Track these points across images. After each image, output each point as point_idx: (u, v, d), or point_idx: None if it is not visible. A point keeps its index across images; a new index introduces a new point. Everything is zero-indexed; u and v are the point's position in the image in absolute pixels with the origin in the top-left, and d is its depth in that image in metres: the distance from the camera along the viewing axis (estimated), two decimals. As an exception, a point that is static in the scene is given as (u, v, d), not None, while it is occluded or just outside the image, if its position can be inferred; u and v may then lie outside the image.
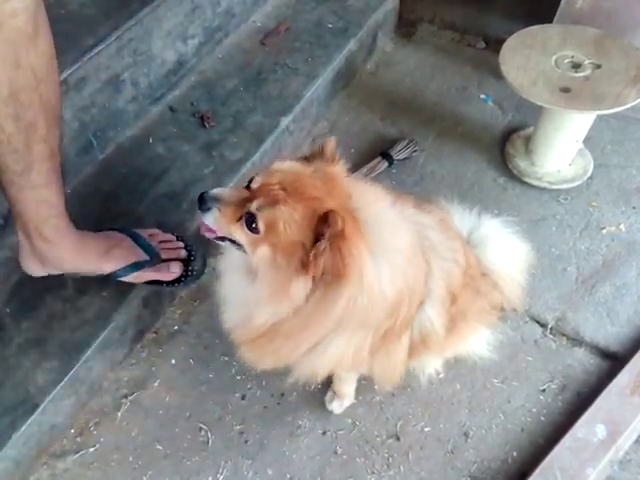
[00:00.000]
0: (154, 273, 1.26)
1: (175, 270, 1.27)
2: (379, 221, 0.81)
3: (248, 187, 0.84)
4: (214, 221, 0.85)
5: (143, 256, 1.25)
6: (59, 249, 1.16)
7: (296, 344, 0.88)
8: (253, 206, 0.80)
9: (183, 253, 1.31)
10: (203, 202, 0.85)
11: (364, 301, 0.78)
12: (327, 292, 0.78)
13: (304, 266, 0.76)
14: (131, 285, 1.27)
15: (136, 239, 1.27)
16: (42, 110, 0.96)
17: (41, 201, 1.07)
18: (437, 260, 0.94)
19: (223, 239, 0.89)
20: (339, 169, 0.85)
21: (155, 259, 1.26)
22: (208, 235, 0.92)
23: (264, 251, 0.80)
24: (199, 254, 1.32)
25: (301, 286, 0.78)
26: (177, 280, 1.29)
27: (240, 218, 0.82)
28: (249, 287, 0.87)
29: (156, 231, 1.33)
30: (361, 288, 0.77)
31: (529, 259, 1.24)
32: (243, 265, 0.88)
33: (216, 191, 0.85)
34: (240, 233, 0.83)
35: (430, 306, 0.96)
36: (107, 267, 1.22)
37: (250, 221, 0.80)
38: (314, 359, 0.90)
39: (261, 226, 0.79)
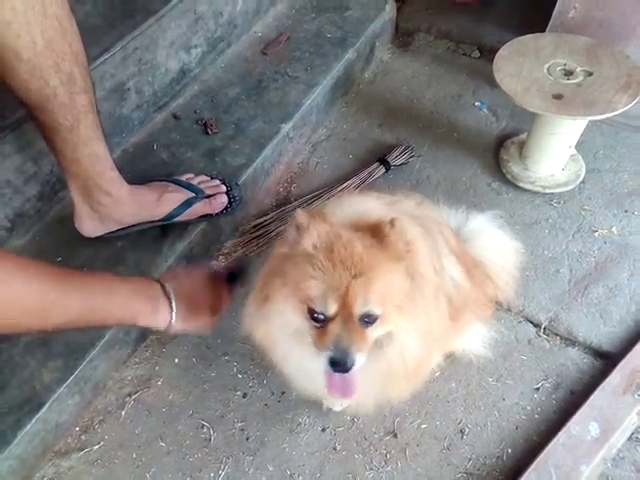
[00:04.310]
0: (204, 206, 1.40)
1: (222, 200, 1.43)
2: None
3: (325, 320, 0.77)
4: (360, 363, 0.79)
5: (190, 194, 1.37)
6: (121, 201, 1.27)
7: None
8: (358, 314, 0.75)
9: (222, 186, 1.45)
10: (341, 364, 0.77)
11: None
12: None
13: None
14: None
15: (178, 183, 1.40)
16: (75, 60, 1.04)
17: (94, 156, 1.17)
18: (426, 223, 0.96)
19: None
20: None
21: (201, 194, 1.40)
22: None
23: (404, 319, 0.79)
24: (234, 184, 1.47)
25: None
26: (224, 209, 1.44)
27: (364, 335, 0.77)
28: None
29: (191, 175, 1.46)
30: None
31: (516, 247, 1.26)
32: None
33: (342, 350, 0.76)
34: (373, 335, 0.79)
35: (443, 256, 0.97)
36: (162, 210, 1.34)
37: (370, 320, 0.76)
38: None
39: (377, 310, 0.75)
